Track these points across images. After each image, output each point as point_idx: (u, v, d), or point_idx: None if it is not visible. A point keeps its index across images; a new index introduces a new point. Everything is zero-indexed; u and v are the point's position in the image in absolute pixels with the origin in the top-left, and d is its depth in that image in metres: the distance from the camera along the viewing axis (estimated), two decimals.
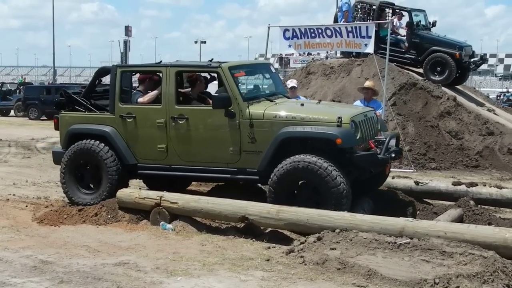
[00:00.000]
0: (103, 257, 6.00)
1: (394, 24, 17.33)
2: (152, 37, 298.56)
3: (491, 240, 5.80)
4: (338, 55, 18.70)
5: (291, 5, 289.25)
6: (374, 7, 17.19)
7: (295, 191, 7.42)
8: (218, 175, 8.10)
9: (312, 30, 14.84)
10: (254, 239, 6.83)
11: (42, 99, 30.29)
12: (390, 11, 17.75)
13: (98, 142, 8.38)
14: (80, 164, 8.58)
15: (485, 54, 21.22)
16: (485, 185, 9.02)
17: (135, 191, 7.89)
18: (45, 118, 30.02)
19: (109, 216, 7.73)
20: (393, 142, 8.15)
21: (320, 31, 14.71)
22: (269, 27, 14.99)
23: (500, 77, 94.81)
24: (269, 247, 6.49)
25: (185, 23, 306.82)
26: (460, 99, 16.08)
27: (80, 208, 7.97)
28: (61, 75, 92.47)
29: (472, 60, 17.09)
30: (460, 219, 7.68)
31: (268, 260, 5.93)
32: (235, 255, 6.12)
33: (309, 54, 20.68)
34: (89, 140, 8.43)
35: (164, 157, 8.22)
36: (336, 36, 14.47)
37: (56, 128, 9.02)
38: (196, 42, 78.62)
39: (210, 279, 5.33)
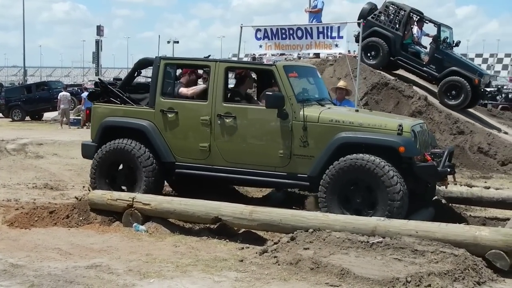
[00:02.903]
0: (75, 259, 5.94)
1: (415, 33, 17.16)
2: (125, 37, 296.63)
3: (462, 238, 5.87)
4: (311, 55, 18.77)
5: (264, 5, 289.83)
6: (403, 12, 16.75)
7: (348, 193, 7.16)
8: (264, 178, 7.67)
9: (283, 31, 14.92)
10: (227, 240, 6.81)
11: (24, 99, 29.90)
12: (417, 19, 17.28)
13: (133, 141, 8.02)
14: (112, 165, 8.26)
15: (502, 87, 20.20)
16: (456, 184, 9.12)
17: (107, 192, 7.81)
18: (29, 119, 29.69)
19: (81, 218, 7.65)
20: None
21: (291, 31, 14.80)
22: (241, 27, 15.02)
23: None
24: (242, 248, 6.49)
25: (158, 22, 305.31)
26: (431, 98, 16.26)
27: (51, 210, 7.84)
28: (31, 75, 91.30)
29: (488, 89, 16.80)
30: None
31: (241, 260, 5.93)
32: (208, 256, 6.11)
33: (282, 54, 20.78)
34: (125, 139, 8.08)
35: (206, 156, 7.88)
36: (306, 38, 14.57)
37: (88, 119, 8.67)
38: (169, 42, 78.04)
39: (184, 280, 5.31)
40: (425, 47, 17.04)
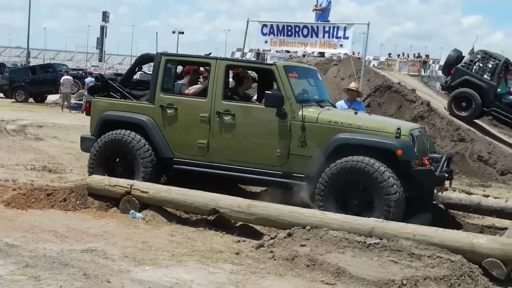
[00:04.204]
0: (70, 243, 5.92)
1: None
2: (130, 25, 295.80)
3: (459, 244, 5.85)
4: (316, 53, 18.75)
5: (271, 1, 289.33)
6: (497, 61, 16.24)
7: (345, 193, 7.18)
8: (261, 177, 7.68)
9: (290, 27, 14.93)
10: (224, 232, 6.80)
11: (28, 81, 29.83)
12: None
13: (132, 132, 8.04)
14: (111, 156, 8.25)
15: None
16: (454, 191, 9.11)
17: (105, 178, 7.78)
18: (32, 100, 29.63)
19: (78, 202, 7.61)
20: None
21: (297, 29, 14.80)
22: (248, 21, 15.01)
23: None
24: (239, 241, 6.48)
25: (163, 12, 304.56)
26: (434, 104, 16.24)
27: (49, 192, 7.81)
28: (35, 57, 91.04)
29: None
30: None
31: (237, 253, 5.92)
32: (204, 247, 6.09)
33: (287, 51, 20.76)
34: (123, 130, 8.09)
35: (204, 153, 7.90)
36: (311, 36, 14.56)
37: (88, 113, 8.69)
38: (174, 32, 78.12)
39: (179, 269, 5.29)
40: None
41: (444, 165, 7.52)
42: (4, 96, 30.60)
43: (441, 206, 8.49)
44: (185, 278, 5.07)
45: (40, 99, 30.29)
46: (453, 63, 16.61)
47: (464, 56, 16.83)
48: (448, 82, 16.51)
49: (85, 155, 8.76)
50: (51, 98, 30.23)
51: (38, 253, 5.46)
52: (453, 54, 16.95)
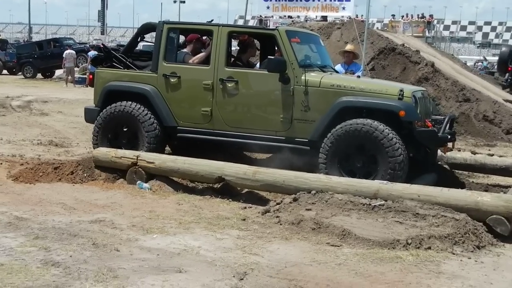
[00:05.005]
0: (79, 214, 6.00)
1: None
2: None
3: (463, 203, 5.90)
4: (318, 17, 18.63)
5: None
6: None
7: (349, 156, 7.20)
8: (265, 143, 7.64)
9: None
10: (230, 199, 6.87)
11: (36, 56, 29.76)
12: None
13: (136, 104, 8.04)
14: (115, 127, 8.27)
15: None
16: (459, 151, 9.14)
17: (111, 150, 7.84)
18: (41, 76, 29.60)
19: (85, 175, 7.70)
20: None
21: None
22: None
23: (478, 45, 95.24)
24: (245, 207, 6.55)
25: None
26: (438, 65, 16.17)
27: (56, 166, 7.90)
28: (36, 33, 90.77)
29: None
30: None
31: (244, 219, 5.99)
32: (211, 215, 6.17)
33: (289, 17, 20.65)
34: (127, 102, 8.10)
35: (208, 120, 7.89)
36: (313, 0, 14.45)
37: (91, 84, 8.66)
38: (175, 1, 77.64)
39: (186, 237, 5.37)
40: None
41: (447, 127, 7.52)
42: (8, 73, 30.58)
43: (446, 166, 8.53)
44: (192, 245, 5.14)
45: (48, 74, 30.23)
46: (507, 59, 16.31)
47: None
48: (510, 80, 16.13)
49: (91, 128, 8.80)
50: (58, 72, 30.20)
51: (47, 225, 5.55)
52: (506, 49, 16.73)
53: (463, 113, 14.39)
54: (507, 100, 15.83)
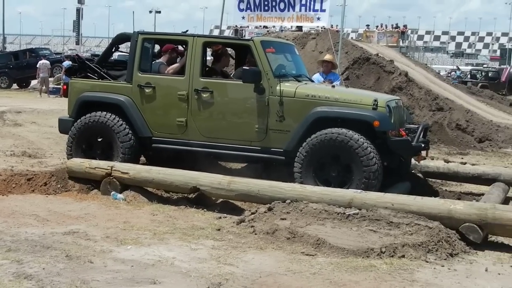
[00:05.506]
0: (52, 226, 5.94)
1: None
2: (106, 6, 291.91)
3: (436, 211, 5.96)
4: (294, 28, 18.73)
5: None
6: None
7: (324, 166, 7.24)
8: (240, 153, 7.69)
9: (266, 2, 14.90)
10: (205, 210, 6.85)
11: (11, 66, 29.48)
12: None
13: (111, 114, 8.01)
14: (89, 138, 8.22)
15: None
16: (432, 159, 9.24)
17: (85, 160, 7.78)
18: (17, 87, 29.28)
19: (59, 186, 7.63)
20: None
21: (274, 3, 14.78)
22: None
23: (451, 55, 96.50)
24: (220, 217, 6.54)
25: None
26: (412, 74, 16.36)
27: (29, 177, 7.80)
28: (11, 43, 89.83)
29: None
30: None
31: (219, 229, 5.98)
32: (186, 225, 6.15)
33: (265, 27, 20.72)
34: (101, 112, 8.06)
35: (183, 131, 7.89)
36: (288, 10, 14.54)
37: (66, 95, 8.62)
38: (150, 11, 77.52)
39: (161, 247, 5.34)
40: None
41: (421, 136, 7.61)
42: None
43: (420, 175, 8.61)
44: (167, 256, 5.12)
45: (24, 84, 29.96)
46: None
47: None
48: None
49: (65, 139, 8.73)
50: (34, 83, 29.92)
51: (20, 237, 5.48)
52: None
53: (437, 122, 14.56)
54: None
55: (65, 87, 8.68)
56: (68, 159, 8.21)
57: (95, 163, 7.65)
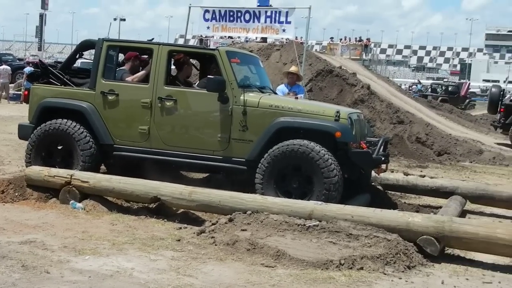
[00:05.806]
0: (8, 235, 5.83)
1: None
2: (70, 12, 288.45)
3: (395, 224, 6.03)
4: (258, 39, 18.81)
5: None
6: None
7: (285, 177, 7.25)
8: (201, 162, 7.66)
9: (232, 13, 14.89)
10: (165, 220, 6.82)
11: None
12: None
13: (71, 122, 7.90)
14: (49, 145, 8.08)
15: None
16: (392, 172, 9.36)
17: (44, 169, 7.67)
18: None
19: (17, 194, 7.50)
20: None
21: (239, 14, 14.78)
22: (190, 7, 14.90)
23: (413, 68, 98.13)
24: (180, 228, 6.50)
25: None
26: (374, 87, 16.58)
27: None
28: None
29: None
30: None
31: (179, 240, 5.95)
32: (145, 235, 6.10)
33: (229, 37, 20.75)
34: (62, 119, 7.94)
35: (145, 139, 7.82)
36: (253, 21, 14.57)
37: (26, 101, 8.45)
38: (115, 19, 76.81)
39: (119, 258, 5.29)
40: None
41: (381, 149, 7.71)
42: None
43: (380, 187, 8.71)
44: (125, 266, 5.07)
45: None
46: (498, 100, 16.70)
47: (504, 89, 16.96)
48: (503, 121, 16.52)
49: (24, 146, 8.60)
50: None
51: None
52: (496, 90, 17.03)
53: (397, 134, 14.76)
54: (499, 144, 16.24)
55: (26, 92, 8.52)
56: (26, 166, 8.08)
57: (54, 171, 7.54)
